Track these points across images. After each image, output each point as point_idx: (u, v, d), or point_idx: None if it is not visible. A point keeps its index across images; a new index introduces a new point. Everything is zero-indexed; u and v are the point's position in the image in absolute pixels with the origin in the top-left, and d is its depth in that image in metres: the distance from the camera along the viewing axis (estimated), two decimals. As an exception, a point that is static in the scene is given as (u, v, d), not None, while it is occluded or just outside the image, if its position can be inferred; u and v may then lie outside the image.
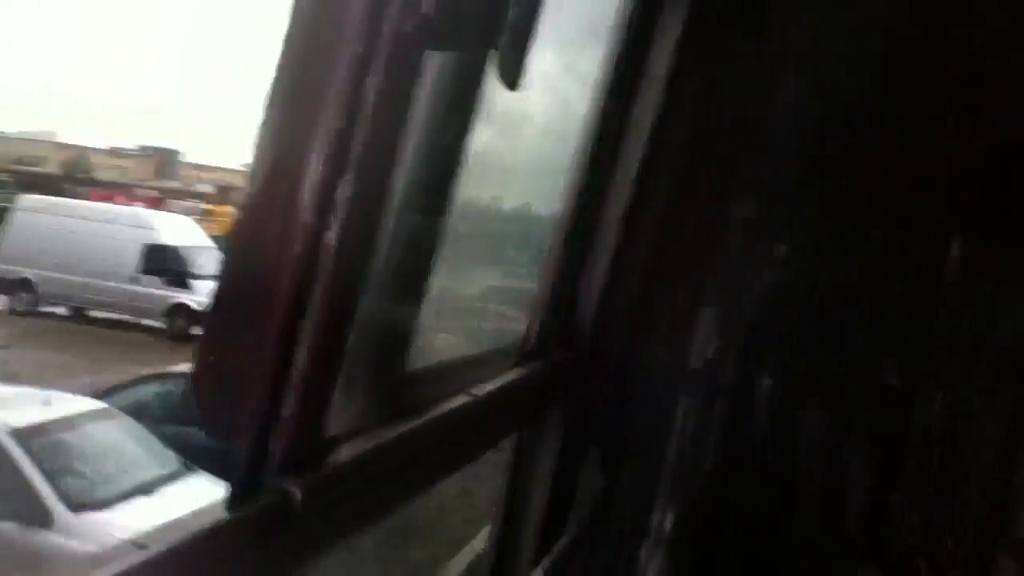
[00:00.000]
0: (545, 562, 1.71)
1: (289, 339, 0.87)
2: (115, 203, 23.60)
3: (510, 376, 1.51)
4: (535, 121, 1.84)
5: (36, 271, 18.09)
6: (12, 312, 18.16)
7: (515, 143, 1.76)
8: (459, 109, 1.10)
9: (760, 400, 5.31)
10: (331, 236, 0.85)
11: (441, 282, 1.38)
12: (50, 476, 6.59)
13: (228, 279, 0.91)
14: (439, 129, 1.09)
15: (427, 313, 1.27)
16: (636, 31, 1.89)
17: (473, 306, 1.57)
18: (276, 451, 0.89)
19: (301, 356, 0.88)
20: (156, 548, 0.76)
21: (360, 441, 1.03)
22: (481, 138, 1.41)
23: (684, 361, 3.03)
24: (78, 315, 18.50)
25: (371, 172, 0.87)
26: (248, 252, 0.90)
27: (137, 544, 0.77)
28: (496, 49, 0.90)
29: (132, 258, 17.54)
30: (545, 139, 1.85)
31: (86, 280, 17.70)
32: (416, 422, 1.16)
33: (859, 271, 5.19)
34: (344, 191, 0.85)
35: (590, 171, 1.85)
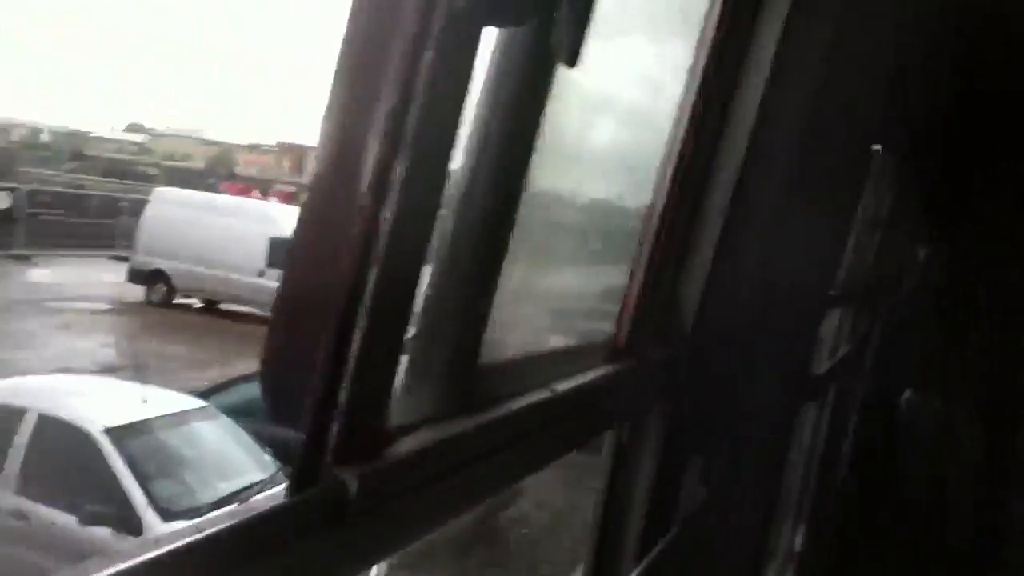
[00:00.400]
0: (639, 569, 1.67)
1: (345, 323, 0.89)
2: (250, 197, 24.81)
3: (597, 373, 1.49)
4: (624, 108, 1.81)
5: (169, 262, 18.97)
6: (148, 303, 19.29)
7: (605, 131, 1.73)
8: (532, 89, 1.09)
9: (902, 413, 5.02)
10: (386, 217, 0.86)
11: (520, 277, 1.37)
12: (142, 480, 6.49)
13: (294, 262, 0.94)
14: (511, 109, 1.09)
15: (503, 308, 1.27)
16: (737, 15, 1.83)
17: (558, 304, 1.55)
18: (333, 439, 0.91)
19: (357, 341, 0.90)
20: (211, 529, 0.79)
21: (424, 433, 1.04)
22: (567, 124, 1.40)
23: (805, 367, 2.89)
24: (211, 307, 19.36)
25: (427, 152, 0.88)
26: (312, 234, 0.93)
27: (196, 526, 0.80)
28: (554, 23, 0.88)
29: (259, 251, 18.12)
30: (636, 127, 1.82)
31: (217, 272, 18.45)
32: (487, 416, 1.16)
33: (1006, 275, 4.83)
34: (400, 171, 0.86)
35: (689, 160, 1.81)
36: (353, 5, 0.86)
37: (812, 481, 4.33)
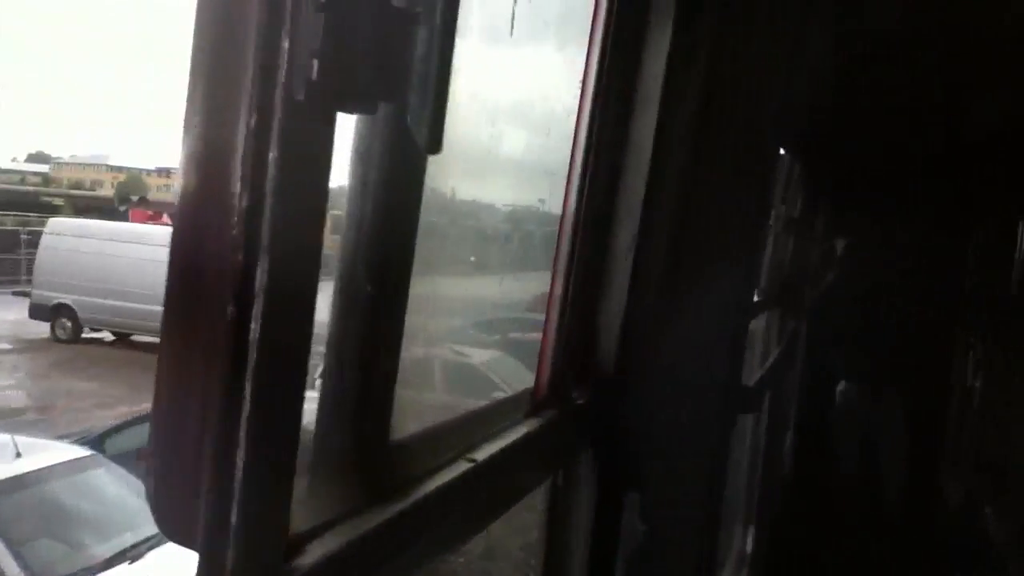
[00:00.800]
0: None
1: (226, 423, 0.83)
2: (162, 222, 24.12)
3: (518, 432, 1.45)
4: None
5: (73, 296, 18.24)
6: (55, 339, 18.37)
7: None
8: (405, 167, 1.05)
9: (836, 405, 5.12)
10: (254, 328, 0.81)
11: (425, 337, 1.33)
12: (14, 545, 5.85)
13: (166, 361, 0.87)
14: (387, 184, 1.04)
15: (411, 374, 1.22)
16: (622, 31, 1.82)
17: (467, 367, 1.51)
18: (230, 561, 0.85)
19: (243, 441, 0.84)
20: None
21: (332, 536, 0.98)
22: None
23: (736, 378, 2.90)
24: (123, 339, 18.59)
25: (289, 250, 0.83)
26: (179, 345, 0.87)
27: None
28: (407, 107, 0.85)
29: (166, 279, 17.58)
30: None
31: (123, 303, 17.71)
32: (402, 504, 1.10)
33: (922, 259, 4.99)
34: (262, 277, 0.81)
35: (589, 193, 1.79)
36: (189, 94, 0.81)
37: (757, 480, 4.36)
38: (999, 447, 5.03)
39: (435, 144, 0.88)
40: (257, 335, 0.81)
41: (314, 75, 0.80)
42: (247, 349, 0.82)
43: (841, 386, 5.05)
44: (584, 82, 1.70)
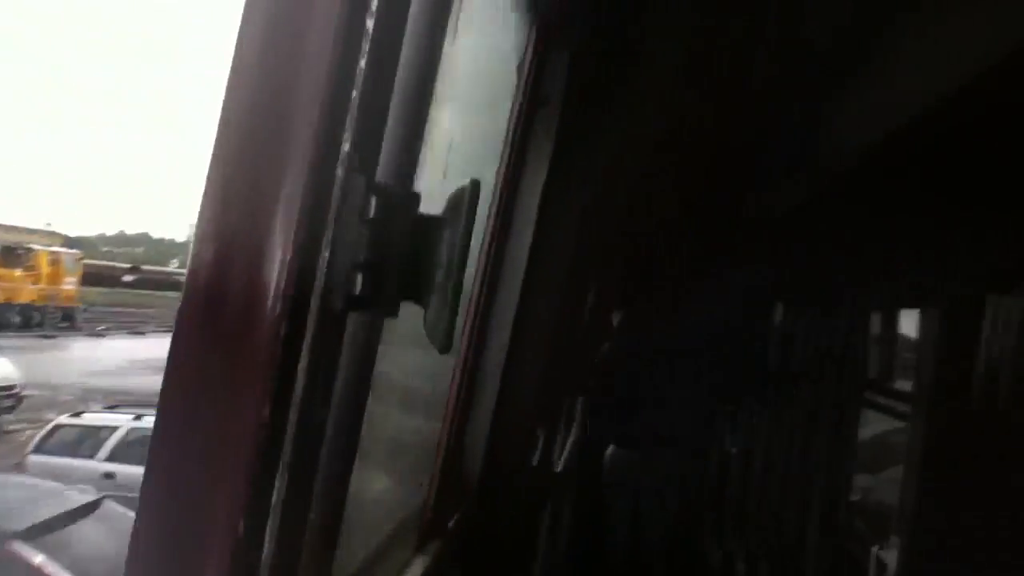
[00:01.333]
0: None
1: None
2: None
3: (414, 571, 1.43)
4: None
5: None
6: None
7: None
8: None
9: (606, 469, 5.41)
10: (268, 546, 0.76)
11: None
12: None
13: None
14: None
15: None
16: (514, 163, 1.89)
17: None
18: None
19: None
20: None
21: None
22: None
23: (547, 470, 3.02)
24: None
25: (299, 460, 0.79)
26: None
27: None
28: (424, 307, 0.85)
29: None
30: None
31: None
32: None
33: (688, 335, 5.47)
34: (279, 493, 0.77)
35: (480, 315, 1.82)
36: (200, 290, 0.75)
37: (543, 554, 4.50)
38: (757, 511, 5.56)
39: (448, 344, 0.88)
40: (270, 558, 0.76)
41: (357, 289, 0.77)
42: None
43: (609, 450, 5.31)
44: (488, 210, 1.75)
